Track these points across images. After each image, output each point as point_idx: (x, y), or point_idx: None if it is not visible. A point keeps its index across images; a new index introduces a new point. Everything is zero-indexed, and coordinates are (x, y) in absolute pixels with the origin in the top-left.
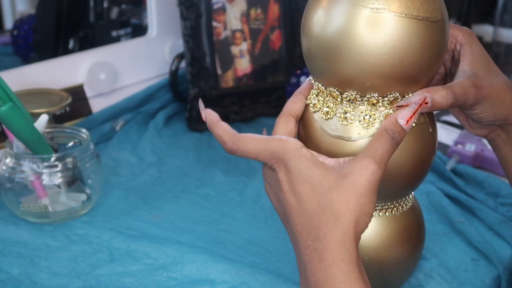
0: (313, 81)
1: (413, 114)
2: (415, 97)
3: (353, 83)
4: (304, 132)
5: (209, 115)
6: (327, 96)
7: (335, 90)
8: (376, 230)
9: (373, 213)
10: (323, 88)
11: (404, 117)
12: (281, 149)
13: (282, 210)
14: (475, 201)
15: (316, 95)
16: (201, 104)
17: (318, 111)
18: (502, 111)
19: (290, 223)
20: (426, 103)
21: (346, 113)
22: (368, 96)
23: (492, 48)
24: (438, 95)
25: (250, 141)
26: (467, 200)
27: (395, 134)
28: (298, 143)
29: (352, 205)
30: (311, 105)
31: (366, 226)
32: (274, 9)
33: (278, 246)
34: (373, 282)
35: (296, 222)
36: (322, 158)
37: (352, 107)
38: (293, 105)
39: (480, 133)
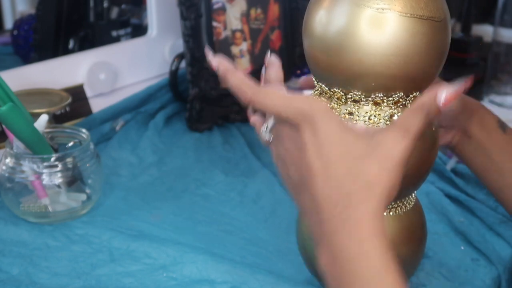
0: (315, 82)
1: (455, 95)
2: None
3: (357, 84)
4: None
5: (222, 64)
6: (330, 96)
7: (339, 91)
8: None
9: None
10: (327, 89)
11: (444, 97)
12: (308, 107)
13: (299, 176)
14: (475, 201)
15: (319, 96)
16: (208, 51)
17: None
18: (468, 108)
19: (311, 190)
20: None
21: (351, 113)
22: (372, 96)
23: (492, 48)
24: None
25: (273, 94)
26: (467, 200)
27: (431, 112)
28: (327, 104)
29: (385, 176)
30: None
31: (391, 200)
32: (274, 9)
33: (279, 246)
34: None
35: (320, 189)
36: (351, 124)
37: (356, 107)
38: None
39: (445, 140)
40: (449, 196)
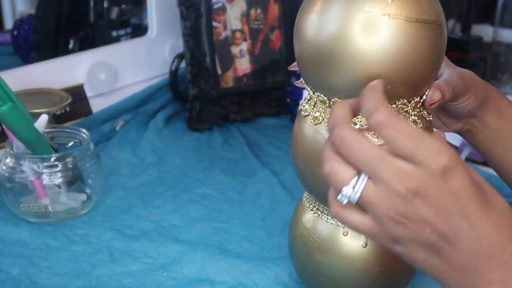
0: (309, 91)
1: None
2: (433, 95)
3: (359, 93)
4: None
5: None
6: (329, 106)
7: (321, 95)
8: None
9: None
10: (325, 98)
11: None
12: (446, 149)
13: (440, 232)
14: None
15: (314, 105)
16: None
17: (308, 116)
18: (480, 96)
19: (465, 243)
20: (440, 99)
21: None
22: None
23: (492, 48)
24: (445, 91)
25: (409, 125)
26: None
27: None
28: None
29: (507, 203)
30: (303, 110)
31: None
32: (274, 9)
33: (278, 245)
34: None
35: (481, 238)
36: None
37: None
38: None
39: (456, 127)
40: None
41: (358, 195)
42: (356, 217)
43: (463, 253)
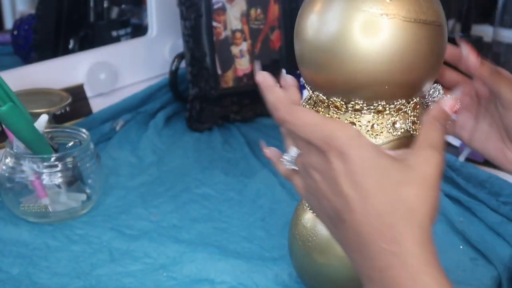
0: (309, 90)
1: (456, 102)
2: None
3: (359, 92)
4: None
5: (264, 79)
6: (328, 106)
7: (338, 100)
8: None
9: None
10: (324, 97)
11: (449, 106)
12: (335, 133)
13: (334, 210)
14: (475, 201)
15: (314, 105)
16: (258, 65)
17: None
18: None
19: (351, 224)
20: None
21: (352, 123)
22: (375, 104)
23: (492, 48)
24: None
25: (306, 117)
26: (467, 200)
27: (443, 121)
28: (357, 129)
29: (424, 199)
30: None
31: (434, 222)
32: (274, 9)
33: (278, 245)
34: None
35: (362, 221)
36: (383, 148)
37: (357, 116)
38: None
39: (494, 146)
40: (449, 196)
41: (291, 160)
42: (298, 180)
43: (354, 229)
